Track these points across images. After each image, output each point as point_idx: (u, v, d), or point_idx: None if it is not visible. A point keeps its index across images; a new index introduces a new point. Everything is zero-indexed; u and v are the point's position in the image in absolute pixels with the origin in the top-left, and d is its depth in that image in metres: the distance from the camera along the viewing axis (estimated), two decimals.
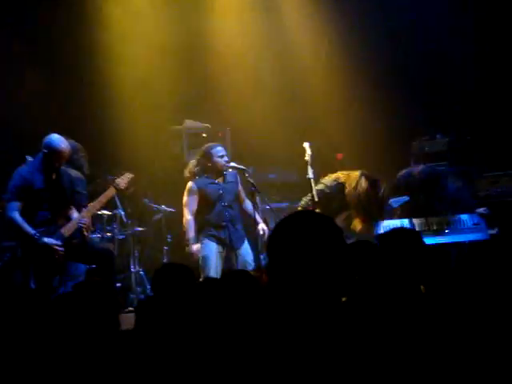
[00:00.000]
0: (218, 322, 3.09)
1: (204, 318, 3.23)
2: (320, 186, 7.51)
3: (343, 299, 3.71)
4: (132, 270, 8.51)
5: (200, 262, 7.09)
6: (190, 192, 7.15)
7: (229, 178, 7.30)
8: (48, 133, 6.53)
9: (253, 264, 7.16)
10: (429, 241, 7.37)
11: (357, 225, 7.69)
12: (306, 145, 7.26)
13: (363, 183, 7.49)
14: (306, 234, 1.99)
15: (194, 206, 7.13)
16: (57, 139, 6.50)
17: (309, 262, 1.97)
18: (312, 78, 9.71)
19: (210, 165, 7.18)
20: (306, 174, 7.21)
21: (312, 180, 7.10)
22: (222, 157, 7.18)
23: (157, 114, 9.35)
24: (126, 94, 9.23)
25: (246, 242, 7.29)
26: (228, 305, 3.13)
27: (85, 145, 7.37)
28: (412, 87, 9.39)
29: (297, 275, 1.97)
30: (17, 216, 6.39)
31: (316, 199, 7.00)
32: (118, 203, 8.39)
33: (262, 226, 7.19)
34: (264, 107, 9.36)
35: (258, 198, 7.46)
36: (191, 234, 7.06)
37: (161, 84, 9.33)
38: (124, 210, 8.44)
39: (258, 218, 7.19)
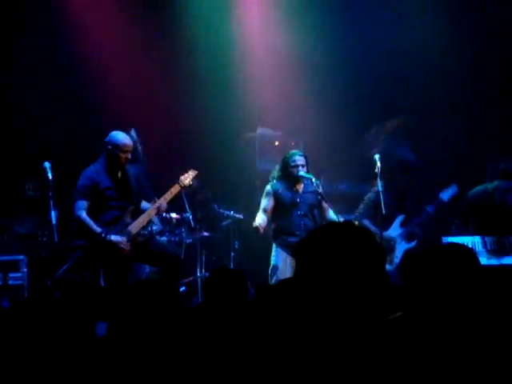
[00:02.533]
0: (264, 331, 3.05)
1: (254, 326, 3.19)
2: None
3: (398, 314, 3.60)
4: (198, 274, 8.55)
5: (269, 270, 7.14)
6: (266, 193, 7.25)
7: (308, 188, 7.27)
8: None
9: None
10: (503, 261, 7.16)
11: None
12: (377, 157, 7.14)
13: None
14: (334, 246, 1.91)
15: (268, 207, 7.18)
16: (120, 135, 6.63)
17: (336, 276, 1.88)
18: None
19: (286, 172, 7.21)
20: (376, 186, 7.10)
21: (381, 193, 6.97)
22: (296, 167, 7.15)
23: (231, 120, 9.38)
24: (206, 97, 9.30)
25: None
26: (270, 314, 3.09)
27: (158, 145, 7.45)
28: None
29: (323, 290, 1.89)
30: (83, 215, 6.52)
31: (384, 212, 6.88)
32: (187, 207, 8.45)
33: None
34: (336, 118, 9.27)
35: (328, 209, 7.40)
36: (257, 219, 7.06)
37: (237, 89, 9.38)
38: (193, 215, 8.49)
39: None
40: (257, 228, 6.97)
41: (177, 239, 8.40)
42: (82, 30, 9.09)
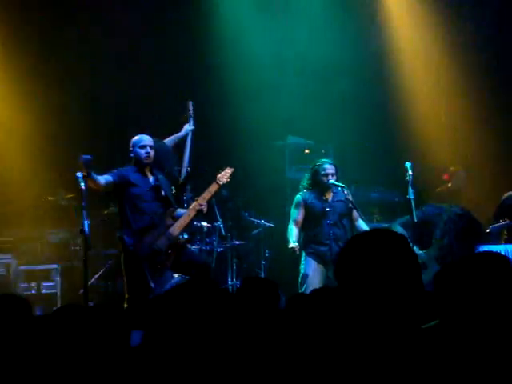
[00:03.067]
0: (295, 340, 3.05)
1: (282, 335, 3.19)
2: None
3: (434, 323, 3.57)
4: (229, 282, 8.56)
5: (299, 279, 7.13)
6: (296, 204, 7.24)
7: (338, 197, 7.25)
8: None
9: None
10: None
11: None
12: (408, 165, 7.10)
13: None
14: (375, 253, 1.91)
15: (298, 217, 7.18)
16: (139, 136, 6.72)
17: (377, 283, 1.88)
18: (418, 99, 9.55)
19: (316, 181, 7.19)
20: (407, 194, 7.05)
21: (412, 200, 6.92)
22: (326, 175, 7.14)
23: (261, 128, 9.39)
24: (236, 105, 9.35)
25: None
26: (305, 322, 3.08)
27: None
28: None
29: (364, 295, 1.89)
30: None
31: (415, 220, 6.83)
32: (218, 216, 8.47)
33: None
34: (366, 125, 9.25)
35: (359, 216, 7.37)
36: (290, 237, 7.07)
37: (267, 97, 9.40)
38: (224, 223, 8.51)
39: None
40: (293, 249, 6.97)
41: (208, 248, 8.42)
42: None
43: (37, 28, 9.06)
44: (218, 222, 8.48)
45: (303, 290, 6.95)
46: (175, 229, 6.65)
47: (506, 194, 7.71)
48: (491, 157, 9.11)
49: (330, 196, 7.25)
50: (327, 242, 7.12)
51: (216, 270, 8.10)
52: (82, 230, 6.41)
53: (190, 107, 7.43)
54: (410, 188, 7.01)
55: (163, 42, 9.47)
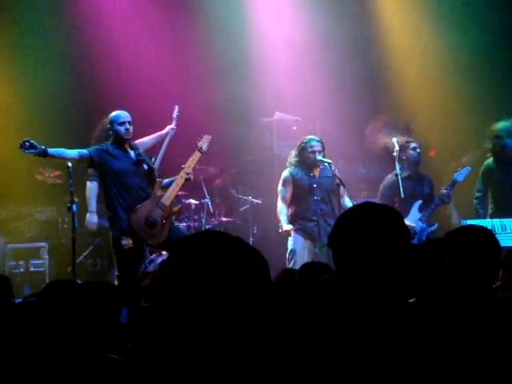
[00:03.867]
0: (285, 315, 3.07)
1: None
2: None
3: (411, 300, 3.62)
4: None
5: (287, 254, 7.17)
6: (284, 181, 7.27)
7: (325, 173, 7.29)
8: None
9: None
10: None
11: None
12: (395, 140, 7.13)
13: None
14: (368, 228, 1.93)
15: (287, 195, 7.22)
16: (116, 113, 6.67)
17: (371, 258, 1.90)
18: (405, 76, 9.58)
19: (303, 157, 7.22)
20: (394, 169, 7.09)
21: (399, 176, 6.96)
22: (313, 152, 7.16)
23: (248, 106, 9.37)
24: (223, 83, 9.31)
25: None
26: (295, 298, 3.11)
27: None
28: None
29: (359, 270, 1.91)
30: None
31: (403, 195, 6.86)
32: (206, 193, 8.48)
33: None
34: (352, 102, 9.25)
35: (345, 193, 7.43)
36: (282, 217, 7.15)
37: (254, 75, 9.38)
38: (211, 200, 8.52)
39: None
40: (287, 232, 7.08)
41: (196, 225, 8.44)
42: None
43: None
44: (206, 199, 8.50)
45: (291, 265, 7.00)
46: (166, 199, 6.69)
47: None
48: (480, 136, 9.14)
49: (317, 172, 7.28)
50: (314, 217, 7.17)
51: None
52: (70, 208, 6.41)
53: (176, 111, 7.42)
54: (396, 163, 7.04)
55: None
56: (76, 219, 6.49)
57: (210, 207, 8.51)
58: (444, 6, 9.38)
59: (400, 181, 6.94)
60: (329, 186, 7.24)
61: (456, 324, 2.79)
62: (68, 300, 2.96)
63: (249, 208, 8.96)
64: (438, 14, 9.43)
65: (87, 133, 7.67)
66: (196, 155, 6.93)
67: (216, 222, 8.68)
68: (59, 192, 8.36)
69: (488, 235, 2.85)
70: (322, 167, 7.26)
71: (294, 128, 9.34)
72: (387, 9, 9.63)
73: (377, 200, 7.46)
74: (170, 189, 6.73)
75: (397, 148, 7.07)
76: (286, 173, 7.30)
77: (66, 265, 7.81)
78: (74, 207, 6.43)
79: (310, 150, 7.17)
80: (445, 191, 7.39)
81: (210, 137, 7.05)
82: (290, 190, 7.21)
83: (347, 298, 1.99)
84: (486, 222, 7.58)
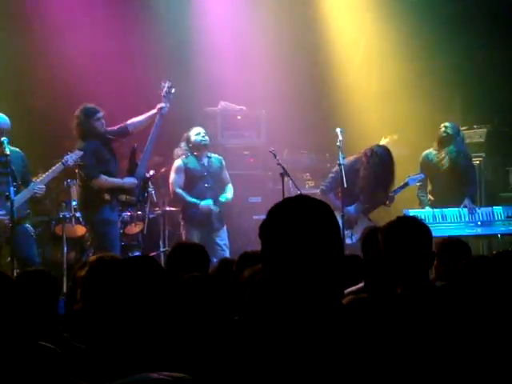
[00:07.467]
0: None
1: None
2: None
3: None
4: (161, 249, 8.52)
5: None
6: (176, 169, 7.70)
7: (214, 162, 7.79)
8: None
9: (225, 250, 7.56)
10: (458, 232, 7.32)
11: None
12: (338, 130, 7.16)
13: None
14: (298, 222, 1.86)
15: (180, 182, 7.65)
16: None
17: (299, 253, 1.85)
18: (348, 66, 9.68)
19: (191, 145, 7.67)
20: (337, 159, 7.11)
21: (343, 166, 6.99)
22: (197, 136, 7.65)
23: (192, 95, 9.30)
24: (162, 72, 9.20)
25: (225, 227, 7.72)
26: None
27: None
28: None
29: (286, 264, 1.86)
30: None
31: (345, 185, 6.89)
32: (150, 182, 8.38)
33: None
34: (298, 92, 9.29)
35: (290, 182, 7.52)
36: (190, 198, 7.58)
37: (197, 64, 9.33)
38: (155, 190, 8.44)
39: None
40: (208, 207, 7.57)
41: (139, 214, 8.33)
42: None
43: None
44: (150, 189, 8.40)
45: None
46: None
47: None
48: (421, 121, 9.29)
49: (206, 161, 7.70)
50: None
51: (148, 236, 8.05)
52: (8, 197, 6.28)
53: (166, 86, 7.34)
54: (340, 153, 7.07)
55: None
56: (14, 207, 6.36)
57: (154, 196, 8.42)
58: None
59: (343, 170, 6.96)
60: (218, 175, 7.79)
61: (397, 313, 2.81)
62: (4, 288, 2.89)
63: None
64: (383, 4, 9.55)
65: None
66: (58, 167, 6.82)
67: (160, 212, 8.60)
68: None
69: (420, 226, 2.90)
70: (211, 156, 7.81)
71: (239, 117, 9.30)
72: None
73: (323, 188, 7.55)
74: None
75: (340, 138, 7.09)
76: (177, 161, 7.79)
77: (6, 255, 7.64)
78: (13, 195, 6.31)
79: (193, 138, 7.72)
80: (390, 195, 7.55)
81: (81, 153, 6.86)
82: (182, 177, 7.69)
83: (273, 293, 1.92)
84: (428, 213, 7.71)
